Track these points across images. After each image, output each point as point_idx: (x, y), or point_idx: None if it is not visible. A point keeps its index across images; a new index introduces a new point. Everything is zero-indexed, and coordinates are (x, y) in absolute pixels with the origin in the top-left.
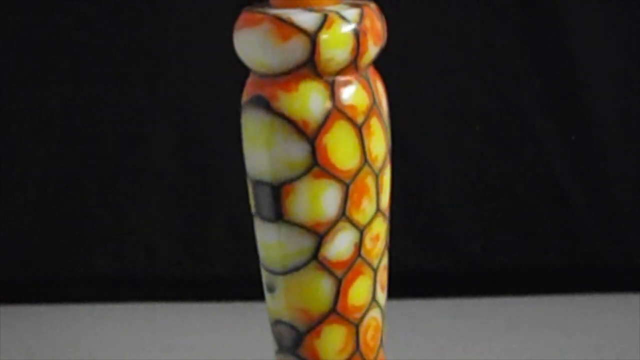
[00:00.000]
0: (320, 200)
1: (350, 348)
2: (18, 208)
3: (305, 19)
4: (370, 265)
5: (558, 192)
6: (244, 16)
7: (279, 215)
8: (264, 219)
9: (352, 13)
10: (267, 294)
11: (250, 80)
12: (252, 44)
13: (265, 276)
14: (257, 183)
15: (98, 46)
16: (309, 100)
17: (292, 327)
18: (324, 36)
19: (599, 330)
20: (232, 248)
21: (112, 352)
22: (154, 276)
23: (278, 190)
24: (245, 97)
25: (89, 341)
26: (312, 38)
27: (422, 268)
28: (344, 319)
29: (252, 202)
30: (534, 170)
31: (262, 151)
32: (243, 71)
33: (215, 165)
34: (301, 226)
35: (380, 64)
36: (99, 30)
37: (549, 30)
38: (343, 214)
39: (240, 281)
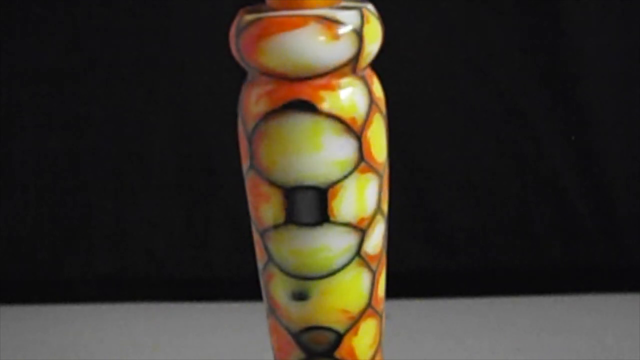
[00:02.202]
0: (364, 195)
1: (377, 340)
2: (18, 208)
3: (348, 16)
4: (386, 254)
5: (558, 192)
6: (272, 21)
7: (324, 218)
8: (303, 225)
9: (373, 8)
10: (291, 304)
11: (269, 87)
12: (296, 47)
13: (291, 286)
14: (296, 190)
15: (97, 47)
16: (353, 97)
17: (331, 330)
18: (367, 32)
19: (599, 330)
20: (232, 248)
21: (112, 352)
22: (154, 276)
23: (325, 193)
24: (271, 103)
25: (89, 341)
26: (360, 35)
27: (422, 268)
28: (375, 312)
29: (278, 211)
30: (534, 170)
31: (308, 155)
32: (244, 73)
33: (215, 166)
34: (347, 225)
35: (380, 63)
36: (99, 31)
37: (549, 30)
38: (378, 207)
39: (240, 281)
